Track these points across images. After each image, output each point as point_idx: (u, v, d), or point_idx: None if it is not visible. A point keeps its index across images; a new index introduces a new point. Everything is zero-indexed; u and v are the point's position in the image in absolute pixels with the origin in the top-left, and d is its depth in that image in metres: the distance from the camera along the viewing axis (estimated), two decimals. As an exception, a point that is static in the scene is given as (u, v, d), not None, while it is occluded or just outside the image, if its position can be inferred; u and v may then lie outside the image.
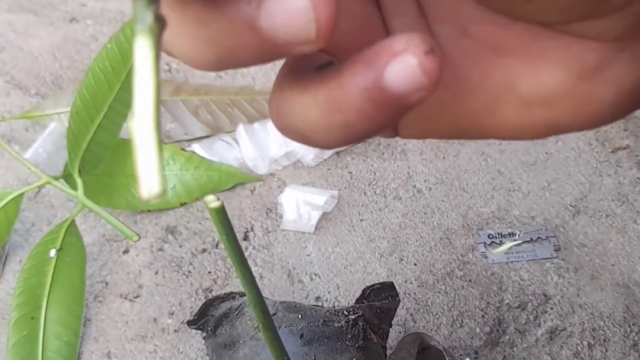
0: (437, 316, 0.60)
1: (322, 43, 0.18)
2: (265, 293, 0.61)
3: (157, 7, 0.17)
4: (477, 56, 0.22)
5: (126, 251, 0.65)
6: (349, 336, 0.48)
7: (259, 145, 0.71)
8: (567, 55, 0.21)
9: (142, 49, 0.17)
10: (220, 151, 0.72)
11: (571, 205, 0.67)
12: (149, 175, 0.16)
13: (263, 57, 0.19)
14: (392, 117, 0.19)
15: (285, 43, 0.18)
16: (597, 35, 0.20)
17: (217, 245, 0.65)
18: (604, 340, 0.58)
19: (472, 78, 0.22)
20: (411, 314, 0.60)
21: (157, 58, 0.17)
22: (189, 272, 0.64)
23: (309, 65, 0.22)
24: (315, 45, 0.18)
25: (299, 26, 0.18)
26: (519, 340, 0.59)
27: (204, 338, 0.58)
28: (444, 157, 0.72)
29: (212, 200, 0.28)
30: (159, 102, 0.17)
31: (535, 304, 0.60)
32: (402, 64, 0.18)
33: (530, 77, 0.21)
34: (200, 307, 0.59)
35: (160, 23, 0.17)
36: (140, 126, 0.16)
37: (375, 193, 0.69)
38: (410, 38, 0.19)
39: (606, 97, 0.21)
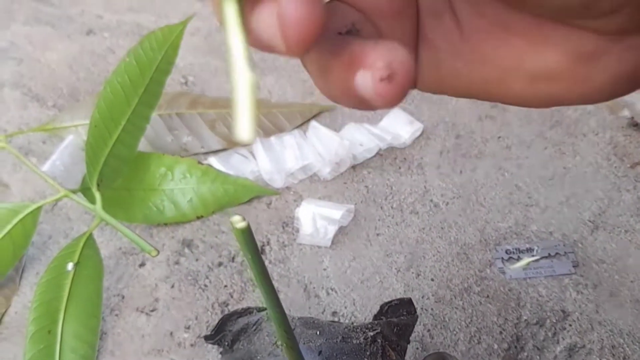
0: (455, 332, 0.60)
1: (296, 53, 0.21)
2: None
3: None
4: (490, 33, 0.25)
5: (142, 264, 0.66)
6: (368, 353, 0.47)
7: (275, 159, 0.71)
8: (566, 42, 0.23)
9: (230, 11, 0.21)
10: (236, 164, 0.72)
11: (590, 221, 0.67)
12: (243, 122, 0.20)
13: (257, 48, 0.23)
14: (368, 108, 0.23)
15: (268, 45, 0.22)
16: (594, 29, 0.22)
17: (233, 259, 0.65)
18: (624, 358, 0.58)
19: (485, 51, 0.25)
20: (428, 330, 0.60)
21: (242, 18, 0.21)
22: (205, 285, 0.64)
23: (335, 27, 0.25)
24: (290, 53, 0.21)
25: (271, 39, 0.22)
26: (537, 357, 0.58)
27: (220, 353, 0.57)
28: (461, 172, 0.72)
29: (238, 221, 0.28)
30: (250, 59, 0.20)
31: (554, 321, 0.60)
32: (364, 78, 0.22)
33: (535, 57, 0.24)
34: (218, 322, 0.58)
35: None
36: (239, 80, 0.20)
37: (392, 207, 0.69)
38: (380, 55, 0.22)
39: (601, 80, 0.24)
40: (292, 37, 0.21)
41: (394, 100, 0.22)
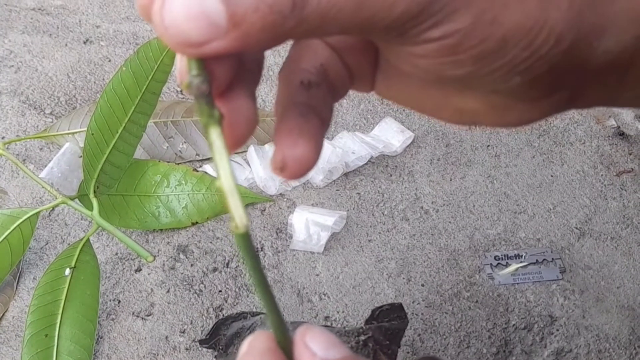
0: (445, 337, 0.61)
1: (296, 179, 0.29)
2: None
3: (216, 107, 0.26)
4: (424, 82, 0.31)
5: (138, 270, 0.67)
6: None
7: (269, 166, 0.72)
8: (481, 96, 0.31)
9: (215, 134, 0.26)
10: (231, 172, 0.73)
11: (576, 228, 0.68)
12: (238, 214, 0.26)
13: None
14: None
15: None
16: (501, 93, 0.30)
17: (227, 264, 0.67)
18: (609, 362, 0.59)
19: (417, 88, 0.32)
20: (419, 335, 0.61)
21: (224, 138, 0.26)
22: (200, 290, 0.65)
23: (303, 72, 0.32)
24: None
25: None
26: (525, 361, 0.59)
27: (215, 357, 0.59)
28: (450, 179, 0.73)
29: (237, 226, 0.29)
30: (232, 166, 0.26)
31: (542, 326, 0.61)
32: (271, 165, 0.30)
33: (458, 99, 0.31)
34: (212, 326, 0.60)
35: (221, 114, 0.26)
36: (226, 185, 0.25)
37: (383, 214, 0.70)
38: (279, 150, 0.30)
39: (512, 121, 0.31)
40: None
41: (291, 178, 0.30)
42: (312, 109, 0.31)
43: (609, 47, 0.28)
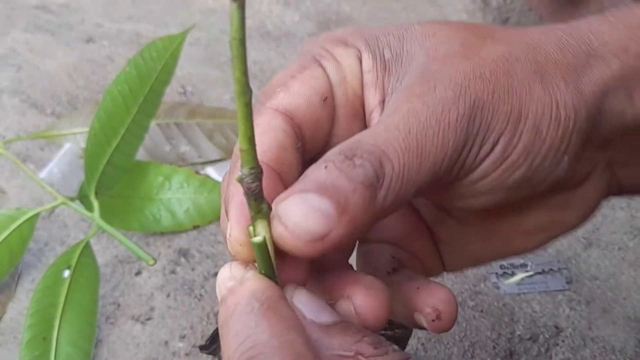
0: (449, 346, 0.60)
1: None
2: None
3: (265, 202, 0.29)
4: (486, 224, 0.37)
5: (138, 273, 0.66)
6: (363, 366, 0.48)
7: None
8: (541, 205, 0.35)
9: (263, 227, 0.29)
10: (233, 175, 0.72)
11: (583, 238, 0.68)
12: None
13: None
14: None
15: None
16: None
17: (229, 269, 0.66)
18: (616, 375, 0.58)
19: (485, 231, 0.37)
20: (422, 344, 0.60)
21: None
22: (201, 295, 0.64)
23: (382, 267, 0.37)
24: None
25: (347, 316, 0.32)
26: (530, 372, 0.59)
27: (215, 363, 0.58)
28: (456, 186, 0.72)
29: (260, 229, 0.29)
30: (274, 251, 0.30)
31: (547, 336, 0.61)
32: (420, 318, 0.34)
33: (523, 221, 0.36)
34: (213, 332, 0.59)
35: (269, 207, 0.29)
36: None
37: (387, 220, 0.69)
38: (426, 301, 0.34)
39: (574, 220, 0.36)
40: (370, 320, 0.31)
41: (446, 329, 0.34)
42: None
43: (614, 107, 0.32)
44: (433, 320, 0.33)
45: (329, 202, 0.28)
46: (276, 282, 0.30)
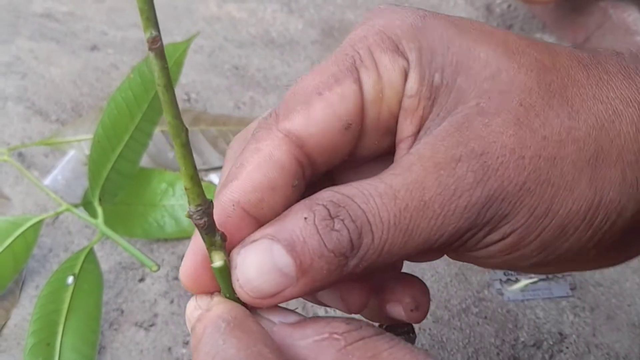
0: (452, 352, 0.60)
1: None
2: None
3: (218, 233, 0.28)
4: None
5: (142, 279, 0.66)
6: (366, 372, 0.48)
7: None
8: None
9: (219, 258, 0.29)
10: (237, 182, 0.72)
11: (587, 244, 0.67)
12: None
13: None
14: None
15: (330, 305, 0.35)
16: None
17: (232, 275, 0.66)
18: (620, 381, 0.58)
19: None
20: (426, 350, 0.60)
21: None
22: (204, 302, 0.64)
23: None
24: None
25: (335, 305, 0.34)
26: (534, 379, 0.58)
27: (218, 369, 0.57)
28: (459, 193, 0.72)
29: (216, 260, 0.29)
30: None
31: (551, 343, 0.60)
32: (395, 308, 0.35)
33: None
34: (216, 338, 0.59)
35: (224, 238, 0.28)
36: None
37: (391, 227, 0.69)
38: (404, 291, 0.34)
39: (610, 263, 0.36)
40: (355, 309, 0.32)
41: (420, 320, 0.34)
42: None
43: None
44: (412, 310, 0.33)
45: (292, 262, 0.27)
46: (242, 304, 0.30)
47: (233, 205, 0.29)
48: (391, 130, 0.32)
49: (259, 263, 0.28)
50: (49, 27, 0.94)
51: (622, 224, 0.28)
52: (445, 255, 0.33)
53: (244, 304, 0.30)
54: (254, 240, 0.28)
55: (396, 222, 0.27)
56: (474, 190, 0.27)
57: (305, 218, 0.27)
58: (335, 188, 0.28)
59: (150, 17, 0.23)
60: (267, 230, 0.28)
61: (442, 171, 0.27)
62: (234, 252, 0.29)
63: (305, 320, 0.30)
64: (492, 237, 0.28)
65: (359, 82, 0.30)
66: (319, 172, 0.32)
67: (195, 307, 0.31)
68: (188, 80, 0.86)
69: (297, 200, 0.29)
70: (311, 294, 0.29)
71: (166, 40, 0.89)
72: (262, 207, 0.29)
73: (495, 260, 0.29)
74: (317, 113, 0.30)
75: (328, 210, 0.27)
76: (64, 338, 0.58)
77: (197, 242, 0.30)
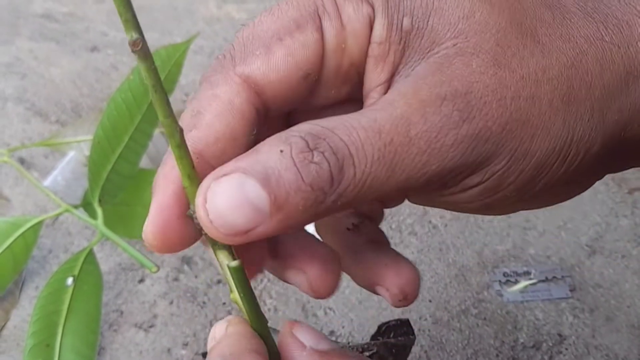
0: (452, 354, 0.60)
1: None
2: (279, 326, 0.61)
3: (230, 250, 0.29)
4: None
5: (142, 280, 0.66)
6: (365, 373, 0.48)
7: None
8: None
9: (225, 257, 0.29)
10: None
11: (587, 245, 0.67)
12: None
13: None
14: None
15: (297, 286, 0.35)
16: None
17: (232, 276, 0.66)
18: (620, 383, 0.58)
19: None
20: (425, 351, 0.60)
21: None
22: (204, 302, 0.64)
23: (343, 225, 0.37)
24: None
25: (300, 287, 0.34)
26: (534, 380, 0.58)
27: (218, 370, 0.57)
28: (459, 194, 0.72)
29: (225, 259, 0.29)
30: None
31: (550, 344, 0.60)
32: (383, 292, 0.36)
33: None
34: (215, 339, 0.59)
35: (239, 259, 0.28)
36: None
37: (390, 228, 0.69)
38: (393, 281, 0.35)
39: (563, 199, 0.33)
40: (321, 294, 0.32)
41: (407, 305, 0.34)
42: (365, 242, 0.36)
43: (636, 132, 0.29)
44: (400, 300, 0.34)
45: (266, 196, 0.25)
46: (256, 303, 0.30)
47: (197, 157, 0.27)
48: (350, 80, 0.31)
49: (230, 197, 0.25)
50: (49, 27, 0.94)
51: (589, 159, 0.28)
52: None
53: (257, 309, 0.30)
54: (226, 174, 0.26)
55: (380, 156, 0.26)
56: (459, 128, 0.26)
57: (282, 151, 0.25)
58: (314, 121, 0.27)
59: (129, 19, 0.22)
60: (240, 163, 0.26)
61: (427, 108, 0.26)
62: (204, 184, 0.26)
63: (334, 351, 0.29)
64: (473, 179, 0.28)
65: (320, 30, 0.29)
66: (271, 119, 0.31)
67: (212, 338, 0.31)
68: (188, 80, 0.86)
69: None
70: (285, 232, 0.26)
71: (166, 40, 0.89)
72: (224, 159, 0.27)
73: (473, 205, 0.29)
74: (277, 60, 0.29)
75: (306, 142, 0.26)
76: (64, 339, 0.58)
77: (160, 198, 0.28)
